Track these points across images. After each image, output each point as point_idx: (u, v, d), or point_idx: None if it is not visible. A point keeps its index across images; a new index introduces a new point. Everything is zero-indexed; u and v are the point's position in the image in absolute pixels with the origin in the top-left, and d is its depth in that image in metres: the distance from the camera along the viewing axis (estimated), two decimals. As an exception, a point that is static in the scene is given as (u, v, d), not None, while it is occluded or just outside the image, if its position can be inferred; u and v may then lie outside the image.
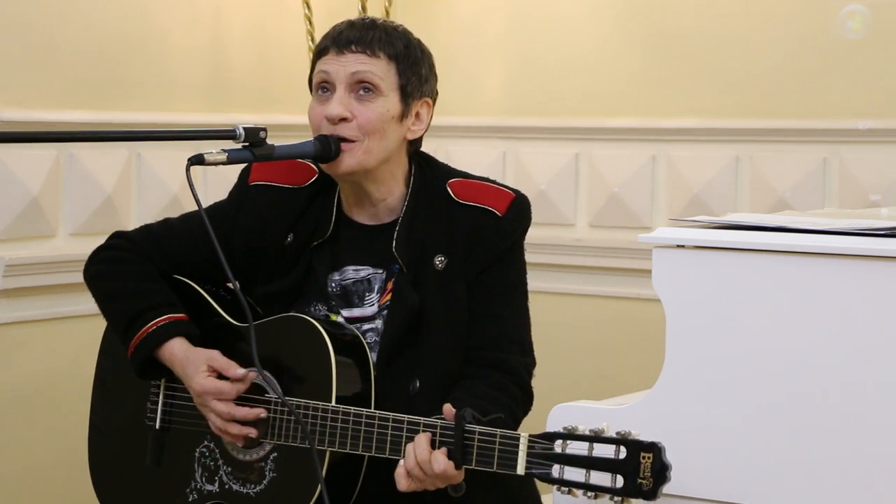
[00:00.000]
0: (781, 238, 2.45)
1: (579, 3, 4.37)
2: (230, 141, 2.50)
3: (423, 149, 2.75)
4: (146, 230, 2.80)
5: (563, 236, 4.36)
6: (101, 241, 2.83)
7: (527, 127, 4.46)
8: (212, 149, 2.47)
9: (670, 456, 2.23)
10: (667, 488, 2.45)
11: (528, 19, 4.47)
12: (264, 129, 2.51)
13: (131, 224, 3.80)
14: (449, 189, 2.67)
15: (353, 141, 2.59)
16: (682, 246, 2.53)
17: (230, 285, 2.51)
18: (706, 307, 2.50)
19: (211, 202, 2.78)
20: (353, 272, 2.68)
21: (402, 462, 2.41)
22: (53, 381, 3.76)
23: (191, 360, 2.61)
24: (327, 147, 2.58)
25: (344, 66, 2.60)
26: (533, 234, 2.76)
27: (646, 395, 2.54)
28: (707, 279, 2.50)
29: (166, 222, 2.82)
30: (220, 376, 2.60)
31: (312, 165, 2.71)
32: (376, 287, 2.66)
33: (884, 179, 3.92)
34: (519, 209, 2.68)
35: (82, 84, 3.81)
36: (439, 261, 2.63)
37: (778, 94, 4.07)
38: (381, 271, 2.66)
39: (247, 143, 2.50)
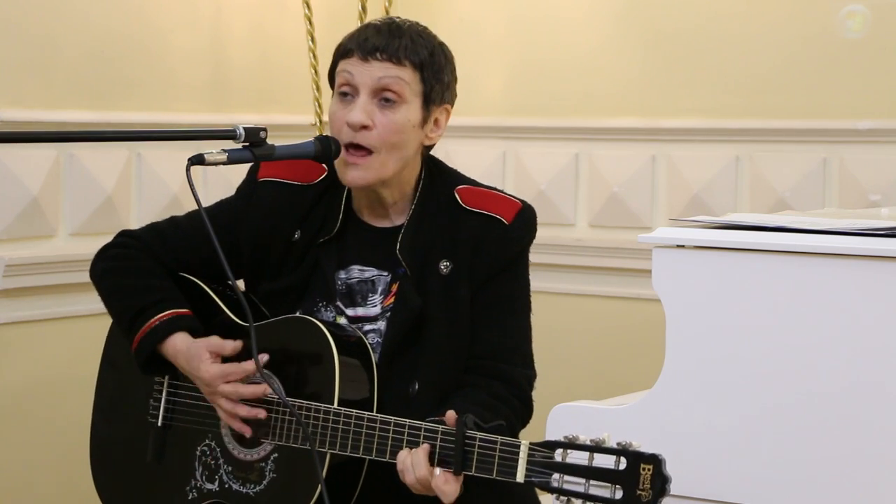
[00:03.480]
0: (781, 238, 2.45)
1: (579, 3, 4.37)
2: (230, 141, 2.49)
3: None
4: (153, 228, 2.81)
5: (563, 236, 4.36)
6: (101, 241, 2.83)
7: (527, 127, 4.45)
8: (212, 149, 2.47)
9: (670, 455, 2.23)
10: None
11: (528, 20, 4.46)
12: (264, 129, 2.50)
13: (132, 224, 3.80)
14: (457, 195, 2.67)
15: (369, 152, 2.58)
16: (682, 246, 2.53)
17: (233, 283, 2.50)
18: (706, 307, 2.49)
19: (211, 202, 2.78)
20: (358, 272, 2.68)
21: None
22: (53, 381, 3.76)
23: (192, 352, 2.61)
24: (327, 147, 2.57)
25: (369, 72, 2.58)
26: (533, 235, 2.75)
27: (646, 395, 2.54)
28: (707, 279, 2.50)
29: (173, 220, 2.82)
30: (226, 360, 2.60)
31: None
32: (380, 289, 2.66)
33: (884, 179, 3.92)
34: (525, 219, 2.67)
35: (82, 84, 3.81)
36: (444, 265, 2.63)
37: (778, 94, 4.07)
38: (385, 273, 2.66)
39: (247, 143, 2.49)
